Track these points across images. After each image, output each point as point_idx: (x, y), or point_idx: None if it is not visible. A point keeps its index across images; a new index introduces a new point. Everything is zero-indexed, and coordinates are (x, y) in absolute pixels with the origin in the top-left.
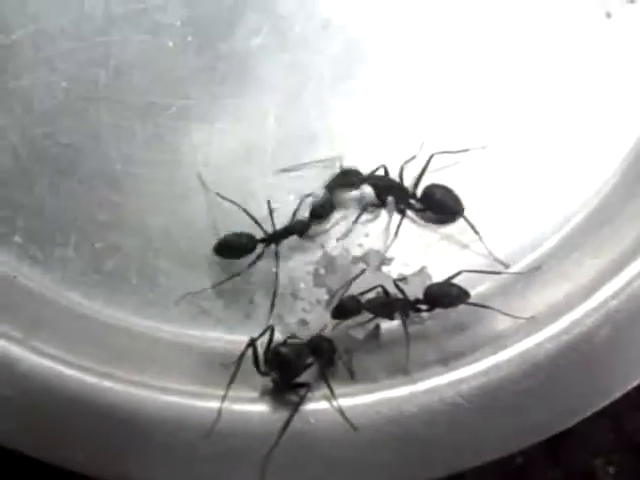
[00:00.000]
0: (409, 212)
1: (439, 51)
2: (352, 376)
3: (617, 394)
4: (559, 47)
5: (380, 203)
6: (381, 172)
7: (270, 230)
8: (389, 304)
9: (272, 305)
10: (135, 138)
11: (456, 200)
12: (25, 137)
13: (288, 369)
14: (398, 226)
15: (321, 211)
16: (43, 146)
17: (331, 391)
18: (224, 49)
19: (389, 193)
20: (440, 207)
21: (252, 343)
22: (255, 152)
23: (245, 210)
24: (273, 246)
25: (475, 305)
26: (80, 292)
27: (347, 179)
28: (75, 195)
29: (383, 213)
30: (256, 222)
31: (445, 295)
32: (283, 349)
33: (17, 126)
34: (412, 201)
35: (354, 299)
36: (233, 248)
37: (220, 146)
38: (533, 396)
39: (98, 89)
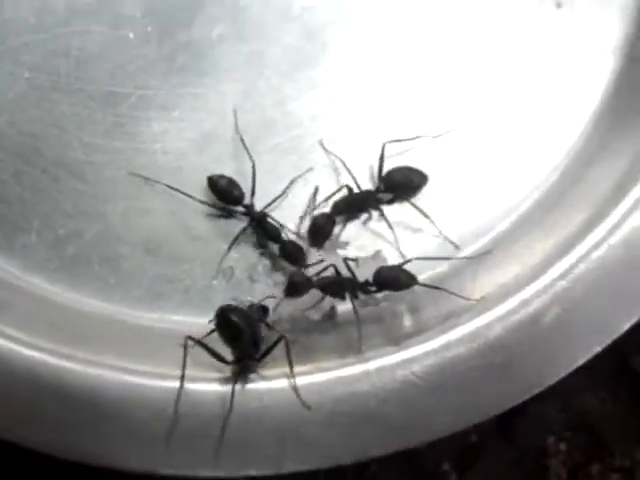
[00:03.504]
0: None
1: (396, 44)
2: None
3: (564, 373)
4: (509, 36)
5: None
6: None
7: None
8: (338, 283)
9: None
10: (96, 127)
11: (418, 173)
12: None
13: (235, 331)
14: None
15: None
16: (6, 135)
17: (290, 364)
18: (183, 39)
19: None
20: (406, 185)
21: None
22: (213, 140)
23: (200, 200)
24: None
25: (427, 286)
26: (42, 277)
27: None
28: (38, 183)
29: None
30: (212, 205)
31: (393, 279)
32: (229, 311)
33: None
34: (380, 196)
35: (303, 275)
36: (223, 189)
37: (179, 134)
38: (483, 374)
39: (60, 79)
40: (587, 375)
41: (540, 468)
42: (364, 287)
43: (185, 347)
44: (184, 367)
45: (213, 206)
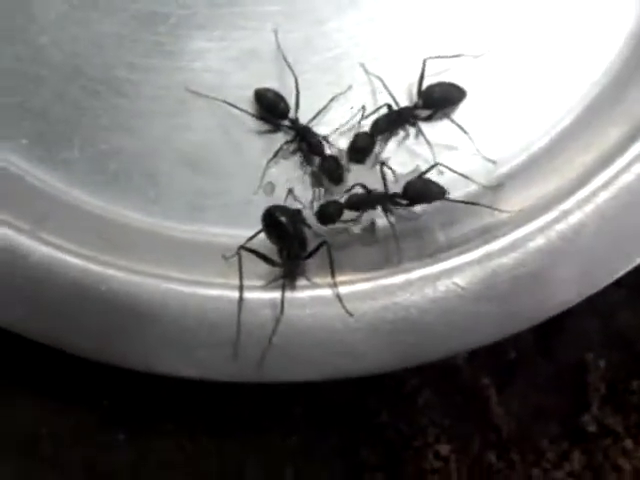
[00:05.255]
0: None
1: None
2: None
3: (605, 283)
4: None
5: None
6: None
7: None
8: (368, 199)
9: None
10: (137, 46)
11: (456, 88)
12: (30, 45)
13: (282, 230)
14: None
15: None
16: (49, 54)
17: (332, 270)
18: None
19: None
20: (444, 100)
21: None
22: (252, 59)
23: (245, 110)
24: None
25: (456, 202)
26: (84, 191)
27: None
28: (79, 100)
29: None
30: (258, 117)
31: (423, 190)
32: (276, 210)
33: (23, 34)
34: (417, 112)
35: (334, 203)
36: (269, 101)
37: (219, 53)
38: (525, 284)
39: None
40: (627, 293)
41: (579, 384)
42: (394, 199)
43: (239, 257)
44: (241, 277)
45: (259, 119)
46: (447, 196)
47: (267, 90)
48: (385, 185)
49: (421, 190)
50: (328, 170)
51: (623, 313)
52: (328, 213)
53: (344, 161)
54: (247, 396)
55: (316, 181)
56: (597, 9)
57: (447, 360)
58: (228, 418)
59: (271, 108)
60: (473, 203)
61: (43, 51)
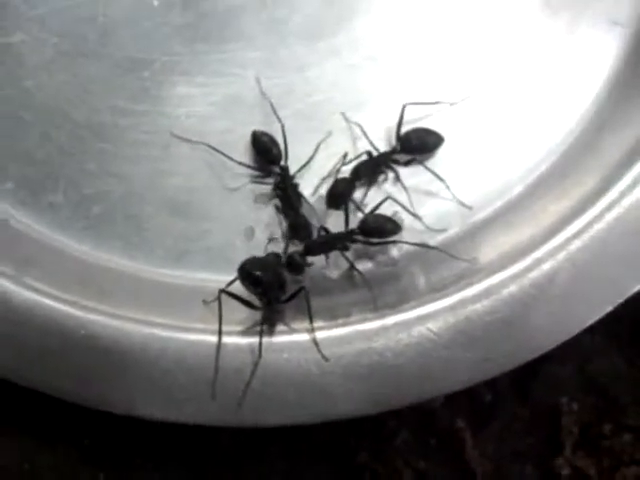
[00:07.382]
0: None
1: (415, 12)
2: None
3: (577, 330)
4: (525, 5)
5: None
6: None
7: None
8: (327, 241)
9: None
10: (121, 91)
11: (434, 134)
12: (18, 89)
13: (257, 282)
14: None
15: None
16: (35, 98)
17: (309, 315)
18: (207, 7)
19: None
20: (423, 146)
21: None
22: (235, 105)
23: (229, 157)
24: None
25: (411, 244)
26: (68, 235)
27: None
28: (65, 145)
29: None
30: (239, 162)
31: (376, 225)
32: (249, 264)
33: (10, 78)
34: (395, 157)
35: (297, 255)
36: (264, 145)
37: (202, 99)
38: (497, 330)
39: (87, 45)
40: (601, 339)
41: (553, 428)
42: (350, 236)
43: (219, 300)
44: (220, 319)
45: (248, 166)
46: (401, 232)
47: (263, 134)
48: (346, 223)
49: (374, 225)
50: (295, 229)
51: (597, 359)
52: (295, 263)
53: (315, 219)
54: (226, 436)
55: (287, 236)
56: (572, 59)
57: (424, 402)
58: (207, 457)
59: (265, 152)
60: (428, 246)
61: (29, 95)
